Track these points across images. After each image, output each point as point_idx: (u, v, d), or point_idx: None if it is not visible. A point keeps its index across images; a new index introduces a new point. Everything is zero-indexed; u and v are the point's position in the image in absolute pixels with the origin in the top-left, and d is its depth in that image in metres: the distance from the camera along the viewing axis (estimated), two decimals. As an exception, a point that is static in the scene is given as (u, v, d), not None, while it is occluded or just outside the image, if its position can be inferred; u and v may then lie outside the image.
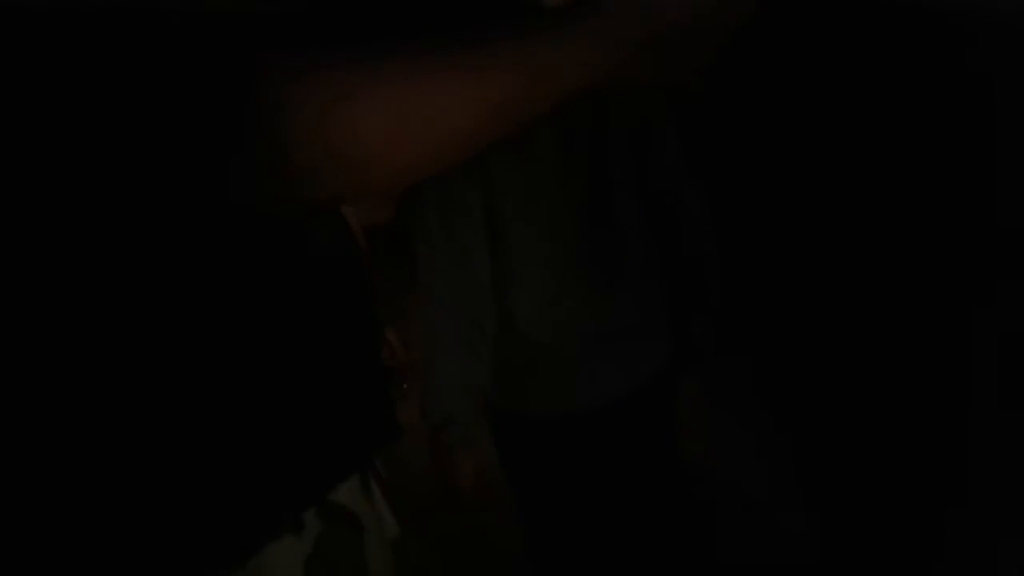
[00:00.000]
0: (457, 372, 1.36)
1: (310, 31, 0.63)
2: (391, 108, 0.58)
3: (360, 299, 0.93)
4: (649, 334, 1.54)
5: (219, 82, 0.55)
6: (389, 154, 0.59)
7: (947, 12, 1.35)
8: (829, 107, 1.56)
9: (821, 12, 1.51)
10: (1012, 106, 1.36)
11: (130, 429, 0.71)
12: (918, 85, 1.42)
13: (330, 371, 0.85)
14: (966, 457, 1.51)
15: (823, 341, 1.72)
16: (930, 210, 1.48)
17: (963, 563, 1.53)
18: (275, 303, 0.79)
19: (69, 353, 0.68)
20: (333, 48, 0.59)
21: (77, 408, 0.69)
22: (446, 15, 0.68)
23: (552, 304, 1.43)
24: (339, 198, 0.63)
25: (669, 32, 0.67)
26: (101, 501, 0.71)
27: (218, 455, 0.76)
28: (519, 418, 1.54)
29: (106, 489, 0.71)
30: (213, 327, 0.74)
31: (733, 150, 1.86)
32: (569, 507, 1.58)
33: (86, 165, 0.56)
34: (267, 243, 0.77)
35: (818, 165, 1.63)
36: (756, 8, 0.70)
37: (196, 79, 0.55)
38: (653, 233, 1.51)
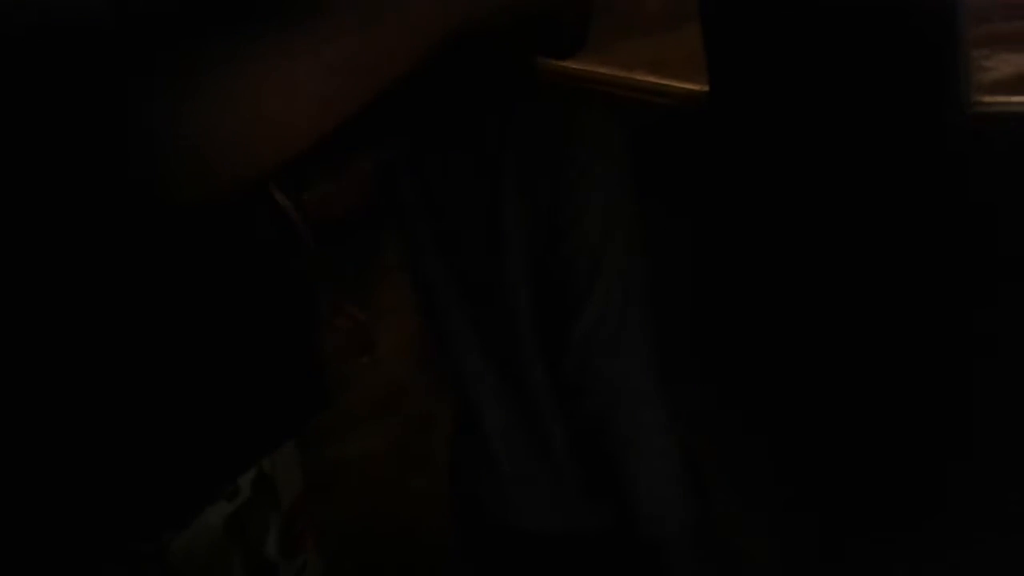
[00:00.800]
0: None
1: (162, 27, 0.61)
2: (244, 94, 0.57)
3: (289, 279, 0.97)
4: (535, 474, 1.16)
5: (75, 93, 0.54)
6: (254, 139, 0.59)
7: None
8: (820, 114, 1.54)
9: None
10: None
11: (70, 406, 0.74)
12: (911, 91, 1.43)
13: (256, 346, 0.89)
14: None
15: (815, 351, 1.68)
16: (929, 216, 1.45)
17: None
18: (202, 284, 0.82)
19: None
20: (179, 42, 0.58)
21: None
22: None
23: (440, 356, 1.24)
24: (228, 187, 0.61)
25: None
26: (51, 474, 0.75)
27: (153, 427, 0.80)
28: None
29: (53, 461, 0.75)
30: (140, 306, 0.77)
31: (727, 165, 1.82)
32: None
33: None
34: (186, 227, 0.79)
35: (813, 171, 1.60)
36: None
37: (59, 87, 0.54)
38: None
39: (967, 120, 1.38)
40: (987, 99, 1.44)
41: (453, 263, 1.15)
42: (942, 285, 1.46)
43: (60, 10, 0.57)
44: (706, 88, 1.73)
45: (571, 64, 2.10)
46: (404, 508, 2.47)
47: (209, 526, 0.88)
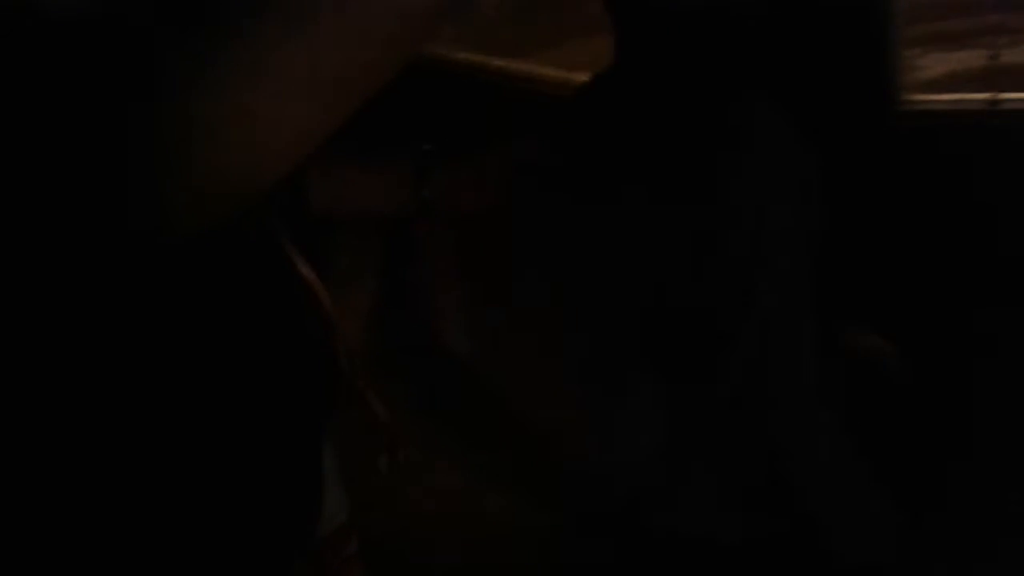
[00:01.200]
0: None
1: None
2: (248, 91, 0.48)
3: (311, 357, 0.85)
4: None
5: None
6: (260, 138, 0.49)
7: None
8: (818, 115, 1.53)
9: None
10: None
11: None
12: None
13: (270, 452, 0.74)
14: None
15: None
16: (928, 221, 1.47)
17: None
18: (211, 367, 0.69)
19: None
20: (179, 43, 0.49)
21: None
22: None
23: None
24: (239, 191, 0.52)
25: None
26: None
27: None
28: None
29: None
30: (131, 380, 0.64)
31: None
32: None
33: None
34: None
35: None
36: None
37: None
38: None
39: (900, 118, 1.41)
40: (919, 97, 1.48)
41: (575, 269, 1.00)
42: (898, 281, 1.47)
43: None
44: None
45: (513, 65, 2.02)
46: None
47: None
